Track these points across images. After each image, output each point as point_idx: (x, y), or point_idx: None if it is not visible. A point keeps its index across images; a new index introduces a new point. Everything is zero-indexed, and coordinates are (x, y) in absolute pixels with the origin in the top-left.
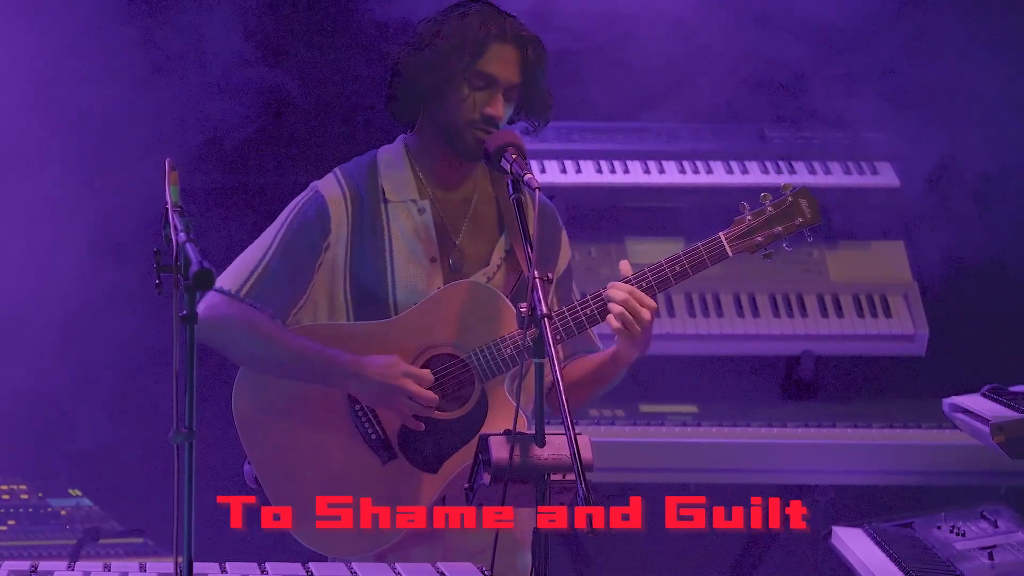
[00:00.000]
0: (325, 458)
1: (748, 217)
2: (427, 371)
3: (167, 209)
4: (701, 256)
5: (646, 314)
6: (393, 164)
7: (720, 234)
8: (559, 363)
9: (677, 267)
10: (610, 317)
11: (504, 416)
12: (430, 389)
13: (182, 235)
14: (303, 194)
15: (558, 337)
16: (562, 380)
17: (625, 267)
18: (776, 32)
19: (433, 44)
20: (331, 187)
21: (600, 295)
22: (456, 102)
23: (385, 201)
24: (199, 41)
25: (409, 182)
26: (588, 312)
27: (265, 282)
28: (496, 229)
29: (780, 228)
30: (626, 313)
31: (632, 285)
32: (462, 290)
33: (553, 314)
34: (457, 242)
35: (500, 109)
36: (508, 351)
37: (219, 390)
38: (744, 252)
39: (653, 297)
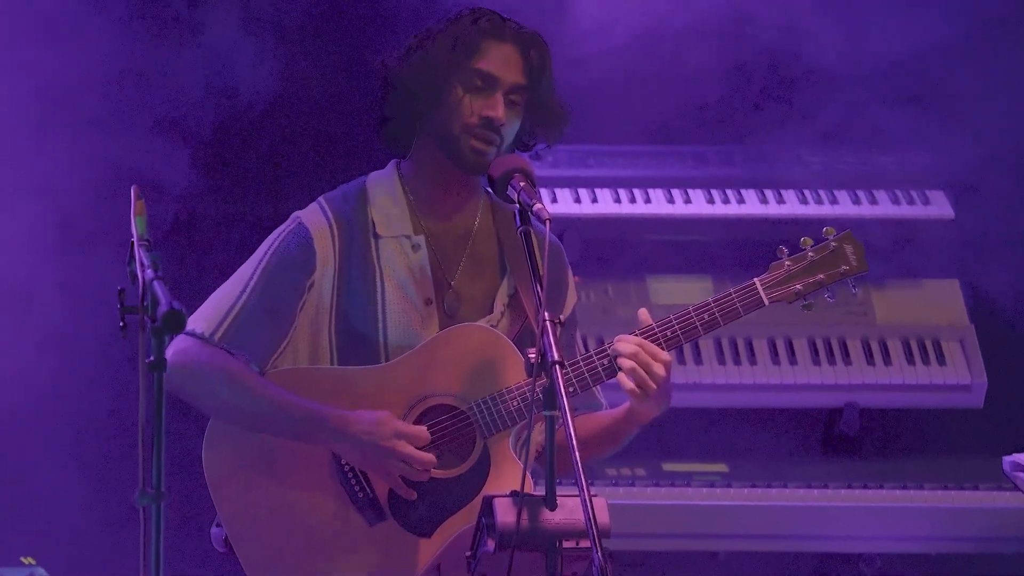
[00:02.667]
0: (305, 519)
1: (787, 263)
2: (422, 428)
3: (132, 243)
4: (733, 304)
5: (660, 369)
6: (385, 193)
7: (755, 280)
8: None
9: (706, 315)
10: (620, 376)
11: (508, 475)
12: (426, 448)
13: (149, 272)
14: (284, 225)
15: (570, 389)
16: (575, 435)
17: (644, 316)
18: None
19: (424, 48)
20: (316, 218)
21: (605, 351)
22: (452, 107)
23: (376, 236)
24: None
25: (402, 215)
26: (603, 364)
27: (242, 325)
28: (497, 271)
29: (822, 276)
30: (638, 369)
31: (656, 333)
32: (464, 334)
33: (566, 362)
34: (452, 283)
35: (500, 111)
36: (515, 403)
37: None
38: (781, 301)
39: (679, 347)
